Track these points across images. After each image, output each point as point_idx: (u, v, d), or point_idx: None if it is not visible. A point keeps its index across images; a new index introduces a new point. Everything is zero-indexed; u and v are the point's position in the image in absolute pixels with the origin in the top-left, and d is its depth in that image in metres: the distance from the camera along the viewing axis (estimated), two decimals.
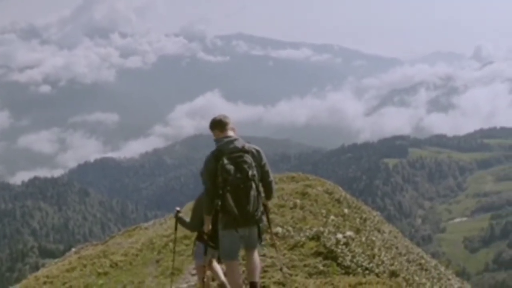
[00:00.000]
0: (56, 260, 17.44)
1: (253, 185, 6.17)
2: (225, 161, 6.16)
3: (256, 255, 6.62)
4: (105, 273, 11.73)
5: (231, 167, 6.13)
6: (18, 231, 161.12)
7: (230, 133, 6.54)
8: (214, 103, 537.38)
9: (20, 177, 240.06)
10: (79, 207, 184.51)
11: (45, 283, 11.95)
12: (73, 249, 18.59)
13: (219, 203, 6.19)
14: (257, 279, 6.57)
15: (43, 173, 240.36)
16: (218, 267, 7.52)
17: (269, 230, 7.70)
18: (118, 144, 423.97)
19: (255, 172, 6.23)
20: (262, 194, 6.44)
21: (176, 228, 8.51)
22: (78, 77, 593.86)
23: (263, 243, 8.36)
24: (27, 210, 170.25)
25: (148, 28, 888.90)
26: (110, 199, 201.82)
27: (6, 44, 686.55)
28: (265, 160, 6.50)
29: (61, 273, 12.39)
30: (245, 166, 6.17)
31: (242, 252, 6.82)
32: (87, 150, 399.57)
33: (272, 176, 6.60)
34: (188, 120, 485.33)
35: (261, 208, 6.35)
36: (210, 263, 7.53)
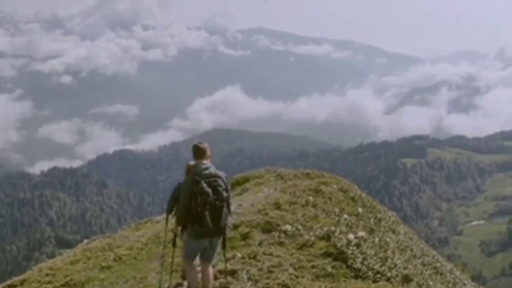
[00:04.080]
0: (68, 251, 17.22)
1: (225, 205, 7.65)
2: (204, 184, 7.51)
3: (210, 270, 8.10)
4: (108, 267, 11.39)
5: (209, 190, 7.51)
6: (36, 220, 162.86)
7: (206, 160, 7.87)
8: (234, 98, 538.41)
9: (39, 167, 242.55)
10: (96, 198, 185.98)
11: (47, 275, 11.65)
12: (86, 241, 18.32)
13: (196, 218, 7.54)
14: (208, 279, 8.06)
15: (62, 163, 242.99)
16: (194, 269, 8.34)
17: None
18: (137, 136, 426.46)
19: (227, 194, 7.69)
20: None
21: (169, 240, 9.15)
22: (99, 68, 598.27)
23: (270, 241, 10.31)
24: (46, 200, 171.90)
25: (170, 21, 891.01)
26: (127, 191, 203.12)
27: (29, 34, 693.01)
28: (229, 185, 7.94)
29: (65, 265, 12.08)
30: (220, 189, 7.62)
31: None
32: (106, 141, 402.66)
33: (231, 199, 7.98)
34: (207, 114, 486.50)
35: (227, 223, 7.86)
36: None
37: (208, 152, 8.00)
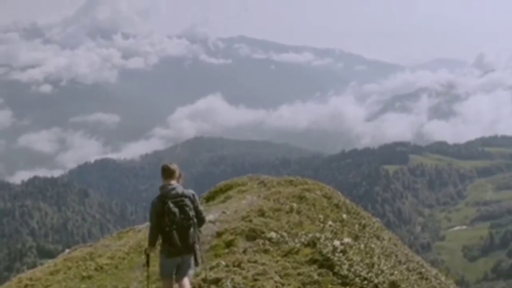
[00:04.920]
0: (50, 261, 16.88)
1: (192, 223, 7.86)
2: (171, 204, 7.70)
3: (186, 282, 8.21)
4: (89, 277, 11.15)
5: (176, 210, 7.70)
6: (17, 230, 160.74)
7: (173, 181, 8.03)
8: (215, 106, 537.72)
9: (20, 177, 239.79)
10: (78, 207, 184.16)
11: (26, 286, 11.38)
12: (67, 250, 17.99)
13: (165, 237, 7.77)
14: None
15: (43, 173, 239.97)
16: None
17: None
18: (119, 145, 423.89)
19: (193, 213, 7.89)
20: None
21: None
22: (79, 77, 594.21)
23: (255, 248, 10.29)
24: (27, 210, 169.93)
25: (151, 30, 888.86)
26: (109, 201, 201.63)
27: (8, 43, 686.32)
28: (198, 201, 8.12)
29: (45, 276, 11.81)
30: (187, 208, 7.81)
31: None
32: (87, 150, 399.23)
33: (203, 213, 8.29)
34: (189, 122, 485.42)
35: (196, 240, 8.04)
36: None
37: (177, 173, 8.17)
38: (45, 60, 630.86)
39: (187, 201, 7.86)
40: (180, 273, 8.21)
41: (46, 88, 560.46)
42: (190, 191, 8.08)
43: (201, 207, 8.22)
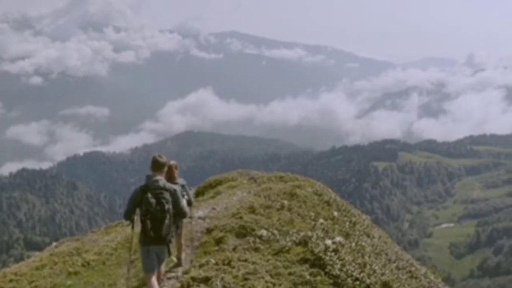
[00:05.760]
0: (37, 253, 16.65)
1: (167, 216, 8.04)
2: (149, 195, 8.00)
3: (161, 269, 8.65)
4: (76, 273, 10.93)
5: (153, 201, 7.97)
6: (4, 222, 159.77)
7: (160, 175, 8.32)
8: (206, 101, 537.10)
9: (8, 168, 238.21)
10: (66, 200, 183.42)
11: (11, 280, 11.14)
12: (54, 243, 17.78)
13: (141, 225, 8.06)
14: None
15: (31, 165, 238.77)
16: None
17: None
18: (108, 138, 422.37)
19: (170, 206, 8.08)
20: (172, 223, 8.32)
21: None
22: (70, 70, 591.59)
23: (245, 246, 10.39)
24: (14, 202, 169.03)
25: (143, 24, 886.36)
26: (98, 193, 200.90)
27: None
28: (179, 196, 8.35)
29: (30, 271, 11.58)
30: (164, 201, 8.01)
31: None
32: (76, 143, 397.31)
33: (185, 207, 8.55)
34: (179, 116, 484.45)
35: (172, 233, 8.26)
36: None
37: (165, 168, 8.50)
38: (35, 52, 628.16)
39: (166, 195, 8.09)
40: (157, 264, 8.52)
41: (36, 80, 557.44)
42: (173, 186, 8.35)
43: (183, 203, 8.47)
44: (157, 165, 8.35)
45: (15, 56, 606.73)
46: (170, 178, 10.31)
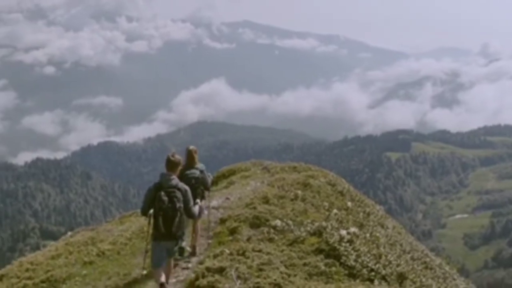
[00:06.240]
0: (52, 243, 16.81)
1: (178, 214, 8.52)
2: (162, 193, 8.47)
3: (170, 262, 9.09)
4: (91, 262, 11.00)
5: (165, 199, 8.44)
6: (20, 211, 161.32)
7: (174, 174, 8.80)
8: (219, 91, 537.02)
9: (22, 158, 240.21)
10: (81, 190, 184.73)
11: (27, 270, 11.24)
12: (69, 233, 17.94)
13: (154, 222, 8.58)
14: (166, 281, 8.90)
15: (45, 154, 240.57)
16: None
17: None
18: (122, 128, 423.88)
19: (181, 205, 8.55)
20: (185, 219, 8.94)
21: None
22: (83, 59, 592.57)
23: (259, 236, 10.59)
24: (29, 191, 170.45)
25: (155, 13, 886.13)
26: (112, 183, 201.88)
27: (12, 24, 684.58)
28: (189, 196, 8.76)
29: (46, 260, 11.66)
30: (175, 200, 8.48)
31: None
32: (90, 133, 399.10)
33: (193, 209, 8.94)
34: (192, 106, 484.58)
35: (182, 230, 8.79)
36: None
37: (179, 167, 9.00)
38: (49, 42, 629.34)
39: (178, 194, 8.56)
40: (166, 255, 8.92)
41: (50, 69, 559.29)
42: (184, 186, 8.81)
43: (190, 203, 8.82)
44: (171, 165, 8.83)
45: (29, 46, 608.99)
46: (191, 163, 10.84)
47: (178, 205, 8.48)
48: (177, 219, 8.50)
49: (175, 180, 8.69)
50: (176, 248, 8.90)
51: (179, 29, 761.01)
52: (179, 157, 9.03)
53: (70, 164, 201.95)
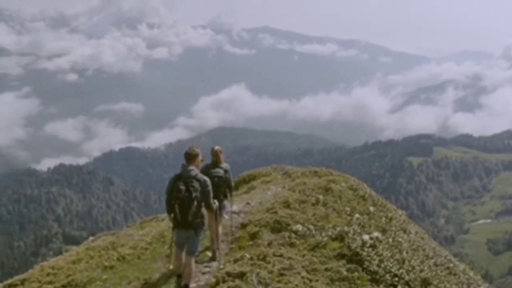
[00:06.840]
0: (74, 248, 16.84)
1: (194, 203, 8.81)
2: (181, 183, 8.89)
3: (192, 262, 9.15)
4: (111, 267, 10.98)
5: (183, 188, 8.82)
6: (43, 217, 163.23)
7: (193, 165, 9.15)
8: (239, 96, 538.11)
9: (46, 164, 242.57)
10: (103, 195, 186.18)
11: (48, 274, 11.25)
12: (91, 238, 17.97)
13: (171, 210, 8.99)
14: (188, 282, 9.09)
15: (68, 160, 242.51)
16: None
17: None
18: (143, 134, 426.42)
19: (198, 194, 8.84)
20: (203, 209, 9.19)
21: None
22: (105, 66, 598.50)
23: (280, 241, 10.48)
24: (52, 197, 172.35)
25: (176, 20, 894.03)
26: (133, 189, 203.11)
27: (35, 32, 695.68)
28: (209, 188, 9.07)
29: (67, 265, 11.68)
30: (192, 189, 8.81)
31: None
32: (112, 139, 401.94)
33: (212, 203, 9.26)
34: (212, 112, 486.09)
35: (199, 219, 8.97)
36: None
37: (199, 158, 9.31)
38: (71, 49, 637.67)
39: (196, 184, 8.87)
40: (186, 249, 9.22)
41: (72, 77, 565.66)
42: (204, 177, 9.10)
43: (210, 195, 9.12)
44: (188, 157, 9.20)
45: (52, 53, 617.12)
46: (217, 162, 11.47)
47: (194, 194, 8.79)
48: (193, 207, 8.80)
49: (194, 171, 9.05)
50: (196, 240, 9.13)
51: (199, 35, 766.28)
52: (197, 150, 9.34)
53: (92, 170, 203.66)
